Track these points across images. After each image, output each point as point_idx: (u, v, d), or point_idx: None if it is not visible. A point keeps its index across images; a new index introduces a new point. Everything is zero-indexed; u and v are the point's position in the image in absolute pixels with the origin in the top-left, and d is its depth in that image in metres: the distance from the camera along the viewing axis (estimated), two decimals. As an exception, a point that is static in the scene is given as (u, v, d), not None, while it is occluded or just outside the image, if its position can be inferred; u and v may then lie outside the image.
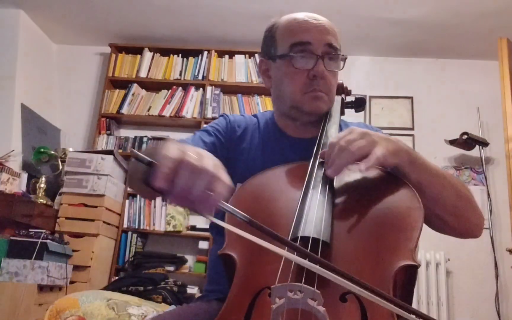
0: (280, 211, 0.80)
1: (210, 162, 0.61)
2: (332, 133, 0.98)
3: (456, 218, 0.89)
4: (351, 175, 0.81)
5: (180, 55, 3.67)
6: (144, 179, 0.62)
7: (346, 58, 1.06)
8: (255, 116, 1.17)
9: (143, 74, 3.64)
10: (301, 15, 1.05)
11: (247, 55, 3.58)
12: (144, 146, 3.48)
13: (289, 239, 0.69)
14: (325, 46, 1.01)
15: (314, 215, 0.71)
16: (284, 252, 0.58)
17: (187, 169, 0.58)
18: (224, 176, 0.62)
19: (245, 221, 0.59)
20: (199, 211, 0.60)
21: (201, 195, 0.58)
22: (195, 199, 0.59)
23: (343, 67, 1.06)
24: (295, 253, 0.59)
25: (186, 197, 0.59)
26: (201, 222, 3.32)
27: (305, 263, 0.57)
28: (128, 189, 3.29)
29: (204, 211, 0.60)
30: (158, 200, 3.27)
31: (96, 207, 2.94)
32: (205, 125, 1.13)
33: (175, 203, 0.61)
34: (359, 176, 0.83)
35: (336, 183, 0.82)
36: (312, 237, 0.67)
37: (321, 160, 0.86)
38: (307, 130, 1.06)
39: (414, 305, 2.93)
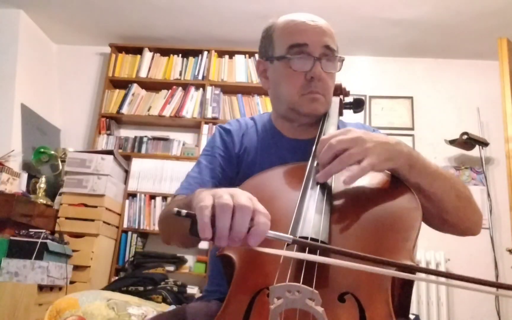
0: (279, 212, 0.80)
1: (244, 197, 0.63)
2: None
3: (456, 217, 0.89)
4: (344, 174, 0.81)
5: (180, 55, 3.67)
6: (191, 232, 0.64)
7: (343, 60, 1.06)
8: (252, 118, 1.18)
9: (143, 74, 3.64)
10: (298, 16, 1.05)
11: (247, 55, 3.59)
12: (144, 146, 3.48)
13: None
14: (322, 48, 1.01)
15: (313, 216, 0.71)
16: (282, 252, 0.59)
17: (225, 211, 0.61)
18: (260, 206, 0.64)
19: (291, 243, 0.62)
20: (251, 246, 0.62)
21: (245, 231, 0.61)
22: (241, 236, 0.61)
23: (341, 68, 1.06)
24: (294, 248, 0.59)
25: (232, 237, 0.61)
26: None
27: (304, 255, 0.57)
28: (128, 188, 3.29)
29: (255, 244, 0.62)
30: (158, 200, 3.27)
31: (96, 207, 2.94)
32: (205, 147, 1.12)
33: (225, 245, 0.62)
34: None
35: (334, 184, 0.82)
36: (311, 238, 0.68)
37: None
38: (305, 131, 1.07)
39: (414, 305, 2.94)
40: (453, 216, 0.88)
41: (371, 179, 0.83)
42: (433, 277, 0.54)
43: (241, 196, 0.63)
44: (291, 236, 0.62)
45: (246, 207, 0.61)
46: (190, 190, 0.99)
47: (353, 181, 0.77)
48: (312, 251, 0.66)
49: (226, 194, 0.62)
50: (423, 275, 0.60)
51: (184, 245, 0.95)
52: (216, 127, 1.16)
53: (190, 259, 3.26)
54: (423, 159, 0.86)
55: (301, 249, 0.67)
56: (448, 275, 0.57)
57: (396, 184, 0.83)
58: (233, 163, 1.07)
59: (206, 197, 0.63)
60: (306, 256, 0.62)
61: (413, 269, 0.57)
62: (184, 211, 0.62)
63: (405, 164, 0.82)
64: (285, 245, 0.69)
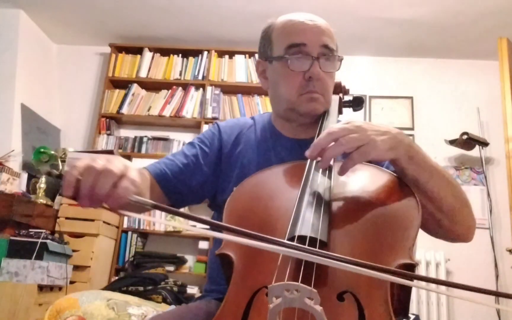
0: (277, 211, 0.80)
1: (117, 164, 0.68)
2: (330, 132, 0.98)
3: (450, 218, 0.87)
4: (348, 174, 0.80)
5: (180, 55, 3.67)
6: (60, 191, 0.70)
7: (342, 59, 1.05)
8: (252, 118, 1.18)
9: (143, 74, 3.64)
10: (296, 16, 1.05)
11: (247, 55, 3.59)
12: (144, 146, 3.48)
13: (286, 238, 0.69)
14: (320, 47, 1.01)
15: (311, 215, 0.71)
16: (278, 248, 0.59)
17: (90, 174, 0.65)
18: (130, 173, 0.68)
19: (151, 208, 0.66)
20: (111, 207, 0.66)
21: (107, 193, 0.65)
22: (102, 198, 0.65)
23: (339, 67, 1.05)
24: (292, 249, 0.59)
25: (93, 197, 0.65)
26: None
27: (300, 254, 0.57)
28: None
29: (115, 206, 0.66)
30: (158, 200, 3.27)
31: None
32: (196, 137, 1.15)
33: (86, 205, 0.67)
34: (356, 175, 0.83)
35: (333, 182, 0.82)
36: (309, 237, 0.67)
37: (318, 159, 0.86)
38: (304, 131, 1.07)
39: (414, 305, 2.94)
40: (448, 217, 0.87)
41: (370, 178, 0.83)
42: (433, 286, 0.54)
43: (114, 162, 0.68)
44: (152, 202, 0.66)
45: (111, 171, 0.65)
46: (156, 167, 1.05)
47: (345, 170, 0.77)
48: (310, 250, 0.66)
49: (101, 159, 0.67)
50: (423, 283, 0.59)
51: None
52: (215, 122, 1.17)
53: (190, 259, 3.26)
54: (423, 153, 0.85)
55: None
56: (448, 284, 0.57)
57: (396, 182, 0.82)
58: (212, 161, 1.08)
59: (84, 160, 0.67)
60: (303, 255, 0.62)
61: (412, 277, 0.56)
62: (55, 172, 0.68)
63: (404, 155, 0.81)
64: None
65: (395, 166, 0.84)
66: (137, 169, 0.89)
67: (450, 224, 0.88)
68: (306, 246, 0.62)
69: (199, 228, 0.77)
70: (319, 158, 0.80)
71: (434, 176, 0.84)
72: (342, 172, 0.78)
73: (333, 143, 0.77)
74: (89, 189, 0.65)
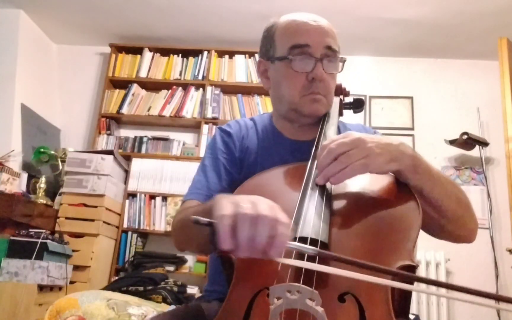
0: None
1: (265, 206, 0.61)
2: (331, 134, 0.97)
3: (453, 224, 0.88)
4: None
5: (180, 55, 3.67)
6: (211, 241, 0.63)
7: (345, 60, 1.05)
8: (252, 119, 1.17)
9: (143, 74, 3.64)
10: (300, 17, 1.04)
11: (247, 55, 3.59)
12: (144, 146, 3.48)
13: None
14: (324, 49, 1.01)
15: (312, 216, 0.71)
16: (289, 261, 0.59)
17: (245, 221, 0.58)
18: (282, 215, 0.62)
19: (315, 255, 0.61)
20: (271, 257, 0.60)
21: (267, 241, 0.59)
22: (262, 248, 0.59)
23: (342, 69, 1.05)
24: (293, 254, 0.59)
25: (253, 248, 0.59)
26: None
27: (301, 264, 0.57)
28: (128, 188, 3.29)
29: (275, 255, 0.60)
30: (158, 200, 3.27)
31: (96, 207, 2.94)
32: (206, 151, 1.12)
33: (245, 256, 0.60)
34: (357, 177, 0.82)
35: (334, 185, 0.82)
36: (310, 238, 0.67)
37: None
38: (305, 132, 1.06)
39: (414, 305, 2.94)
40: (451, 222, 0.88)
41: (371, 180, 0.83)
42: (433, 288, 0.54)
43: (262, 204, 0.61)
44: (316, 249, 0.61)
45: (267, 217, 0.59)
46: (199, 195, 0.99)
47: (341, 180, 0.76)
48: (311, 256, 0.65)
49: (247, 203, 0.60)
50: (423, 286, 0.59)
51: (201, 253, 0.94)
52: (216, 129, 1.15)
53: (190, 259, 3.26)
54: (426, 162, 0.85)
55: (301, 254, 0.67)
56: (449, 286, 0.56)
57: (396, 184, 0.82)
58: (236, 164, 1.06)
59: (226, 205, 0.61)
60: (304, 263, 0.61)
61: (413, 279, 0.56)
62: (204, 219, 0.61)
63: (409, 165, 0.81)
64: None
65: (399, 177, 0.83)
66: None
67: (453, 228, 0.89)
68: (308, 246, 0.62)
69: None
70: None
71: (437, 185, 0.84)
72: (336, 181, 0.77)
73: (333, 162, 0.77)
74: (248, 240, 0.58)
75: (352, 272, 0.57)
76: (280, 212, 0.62)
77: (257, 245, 0.58)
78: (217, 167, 1.05)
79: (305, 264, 0.61)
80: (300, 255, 0.65)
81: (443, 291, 0.53)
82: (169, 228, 3.19)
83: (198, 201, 0.98)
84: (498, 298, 0.56)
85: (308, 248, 0.61)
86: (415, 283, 0.63)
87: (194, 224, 0.60)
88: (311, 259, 0.64)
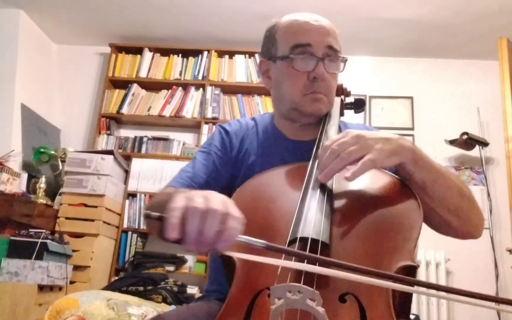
0: (279, 212, 0.80)
1: (217, 201, 0.62)
2: (332, 134, 0.98)
3: (458, 218, 0.88)
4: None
5: (180, 55, 3.67)
6: (159, 234, 0.65)
7: (346, 60, 1.05)
8: (253, 119, 1.17)
9: (143, 74, 3.64)
10: (301, 16, 1.04)
11: (247, 55, 3.58)
12: (144, 146, 3.48)
13: (288, 240, 0.69)
14: (325, 48, 1.01)
15: (313, 216, 0.71)
16: (286, 263, 0.59)
17: (195, 215, 0.60)
18: (234, 210, 0.63)
19: (263, 247, 0.61)
20: (219, 250, 0.62)
21: (215, 235, 0.60)
22: (210, 241, 0.60)
23: (344, 69, 1.06)
24: (293, 259, 0.59)
25: (201, 241, 0.60)
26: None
27: (304, 266, 0.57)
28: (128, 188, 3.29)
29: (223, 249, 0.61)
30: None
31: (96, 207, 2.94)
32: (202, 144, 1.12)
33: (193, 249, 0.62)
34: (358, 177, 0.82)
35: (335, 184, 0.82)
36: (311, 238, 0.67)
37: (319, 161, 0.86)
38: (306, 132, 1.06)
39: (414, 305, 2.94)
40: (456, 216, 0.87)
41: (372, 180, 0.83)
42: (433, 291, 0.54)
43: (214, 199, 0.62)
44: (264, 242, 0.61)
45: (216, 211, 0.60)
46: (181, 184, 1.00)
47: (355, 177, 0.76)
48: (313, 253, 0.66)
49: (199, 197, 0.62)
50: (423, 288, 0.59)
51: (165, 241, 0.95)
52: (217, 126, 1.16)
53: (190, 259, 3.26)
54: (426, 156, 0.85)
55: (300, 259, 0.67)
56: (449, 290, 0.56)
57: (397, 184, 0.82)
58: (228, 164, 1.07)
59: (179, 199, 0.62)
60: (303, 266, 0.61)
61: (413, 283, 0.56)
62: (154, 214, 0.62)
63: (410, 159, 0.81)
64: (286, 245, 0.69)
65: (401, 171, 0.83)
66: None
67: (459, 224, 0.89)
68: (307, 253, 0.62)
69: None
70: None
71: (440, 178, 0.84)
72: (353, 177, 0.77)
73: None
74: (196, 232, 0.60)
75: (352, 274, 0.57)
76: (233, 207, 0.63)
77: (205, 238, 0.60)
78: (206, 162, 1.06)
79: (304, 267, 0.61)
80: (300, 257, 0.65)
81: (443, 293, 0.53)
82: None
83: (175, 188, 0.99)
84: (497, 300, 0.55)
85: (257, 241, 0.62)
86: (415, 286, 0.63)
87: (146, 219, 0.62)
88: (312, 260, 0.64)
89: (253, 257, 0.60)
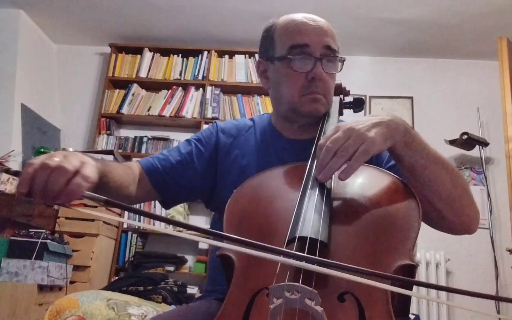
0: (278, 212, 0.80)
1: (73, 160, 0.70)
2: (330, 134, 0.97)
3: (451, 208, 0.86)
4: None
5: (180, 55, 3.67)
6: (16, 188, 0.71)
7: (344, 60, 1.05)
8: (251, 119, 1.17)
9: (143, 74, 3.64)
10: (299, 17, 1.04)
11: (247, 55, 3.59)
12: (144, 146, 3.48)
13: (287, 239, 0.69)
14: (323, 48, 1.01)
15: (312, 216, 0.71)
16: (279, 258, 0.59)
17: (43, 170, 0.67)
18: (85, 170, 0.70)
19: (104, 204, 0.67)
20: (64, 203, 0.68)
21: (60, 189, 0.66)
22: (54, 194, 0.67)
23: (341, 69, 1.05)
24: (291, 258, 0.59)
25: (46, 194, 0.67)
26: (201, 222, 3.32)
27: (302, 264, 0.57)
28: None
29: (67, 202, 0.68)
30: (158, 200, 3.27)
31: (96, 207, 2.94)
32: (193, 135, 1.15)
33: (39, 202, 0.68)
34: (357, 176, 0.82)
35: (334, 184, 0.82)
36: (310, 237, 0.67)
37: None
38: (304, 131, 1.06)
39: (414, 305, 2.94)
40: (447, 206, 0.86)
41: (371, 179, 0.83)
42: (433, 294, 0.54)
43: (71, 159, 0.69)
44: (104, 197, 0.67)
45: (64, 168, 0.67)
46: (147, 161, 1.06)
47: (350, 174, 0.76)
48: (312, 252, 0.66)
49: (58, 156, 0.69)
50: (423, 290, 0.59)
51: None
52: (214, 122, 1.18)
53: (190, 259, 3.26)
54: (420, 139, 0.84)
55: (300, 250, 0.67)
56: (449, 289, 0.56)
57: (396, 183, 0.82)
58: (206, 159, 1.09)
59: (39, 158, 0.68)
60: (302, 264, 0.61)
61: (412, 283, 0.56)
62: (13, 169, 0.71)
63: (401, 142, 0.80)
64: (284, 245, 0.69)
65: (391, 153, 0.83)
66: (111, 163, 0.92)
67: (451, 214, 0.87)
68: (305, 254, 0.62)
69: (188, 234, 0.78)
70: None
71: (431, 163, 0.83)
72: (345, 176, 0.76)
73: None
74: (42, 186, 0.66)
75: (350, 275, 0.57)
76: (86, 167, 0.71)
77: (49, 192, 0.66)
78: (183, 150, 1.09)
79: (303, 265, 0.61)
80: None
81: (443, 297, 0.53)
82: (169, 228, 3.19)
83: (141, 166, 1.05)
84: (497, 299, 0.55)
85: (99, 197, 0.68)
86: (414, 287, 0.63)
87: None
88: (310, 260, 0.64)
89: (252, 252, 0.60)
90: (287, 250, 0.62)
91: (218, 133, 1.12)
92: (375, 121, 0.80)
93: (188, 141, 1.12)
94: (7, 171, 0.76)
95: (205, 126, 3.44)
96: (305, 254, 0.62)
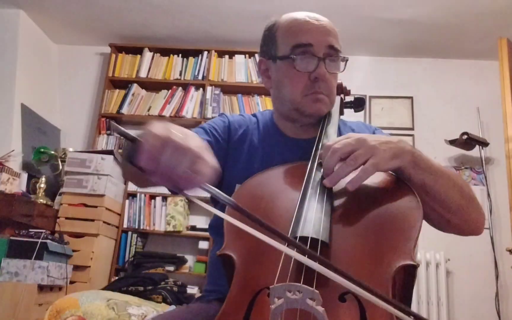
0: (279, 211, 0.80)
1: (195, 142, 0.62)
2: (331, 133, 0.97)
3: (459, 217, 0.88)
4: (350, 175, 0.80)
5: (180, 55, 3.67)
6: (128, 157, 0.61)
7: (347, 60, 1.04)
8: (254, 115, 1.16)
9: (143, 74, 3.64)
10: (302, 15, 1.04)
11: (247, 55, 3.59)
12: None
13: (288, 239, 0.69)
14: (326, 48, 1.00)
15: (313, 215, 0.71)
16: (282, 247, 0.58)
17: (172, 147, 0.58)
18: (208, 157, 0.62)
19: (230, 205, 0.60)
20: (182, 189, 0.61)
21: (185, 174, 0.59)
22: (178, 178, 0.59)
23: (344, 69, 1.05)
24: (295, 249, 0.59)
25: (169, 176, 0.59)
26: (201, 222, 3.32)
27: (303, 259, 0.57)
28: (128, 188, 3.29)
29: (187, 190, 0.61)
30: (158, 200, 3.27)
31: (96, 207, 2.94)
32: (203, 123, 1.11)
33: (158, 182, 0.60)
34: None
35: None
36: (311, 237, 0.67)
37: (320, 160, 0.86)
38: (306, 131, 1.06)
39: (414, 305, 2.94)
40: (456, 215, 0.87)
41: (372, 179, 0.83)
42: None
43: (192, 139, 0.61)
44: (233, 200, 0.60)
45: (191, 151, 0.59)
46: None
47: (357, 184, 0.76)
48: (313, 250, 0.65)
49: (179, 132, 0.61)
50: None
51: (129, 177, 0.90)
52: (219, 113, 1.16)
53: (190, 259, 3.26)
54: (426, 157, 0.85)
55: (301, 251, 0.67)
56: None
57: (397, 183, 0.82)
58: (221, 149, 1.06)
59: (158, 127, 0.60)
60: (302, 258, 0.61)
61: (411, 314, 0.55)
62: (129, 134, 0.60)
63: (409, 162, 0.81)
64: (286, 244, 0.69)
65: (401, 174, 0.83)
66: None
67: (459, 222, 0.89)
68: (308, 249, 0.62)
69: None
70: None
71: (439, 178, 0.84)
72: (352, 187, 0.76)
73: (340, 163, 0.78)
74: (169, 167, 0.58)
75: (349, 282, 0.56)
76: (208, 154, 0.63)
77: (174, 174, 0.58)
78: (203, 136, 1.03)
79: (305, 260, 0.60)
80: (299, 264, 0.65)
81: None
82: (169, 228, 3.19)
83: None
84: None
85: (226, 197, 0.60)
86: (415, 286, 0.62)
87: (115, 133, 0.61)
88: (311, 257, 0.64)
89: (256, 232, 0.58)
90: (292, 239, 0.61)
91: (230, 125, 1.10)
92: (385, 140, 0.81)
93: (204, 129, 1.07)
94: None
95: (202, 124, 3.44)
96: (307, 248, 0.61)
